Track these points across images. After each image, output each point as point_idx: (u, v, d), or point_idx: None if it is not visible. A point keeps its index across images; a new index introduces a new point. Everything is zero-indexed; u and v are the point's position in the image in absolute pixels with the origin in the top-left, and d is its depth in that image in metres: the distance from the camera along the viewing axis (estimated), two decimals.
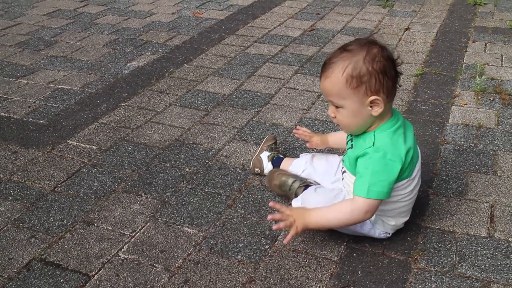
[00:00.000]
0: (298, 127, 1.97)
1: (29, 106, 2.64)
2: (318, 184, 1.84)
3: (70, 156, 2.19)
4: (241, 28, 3.75)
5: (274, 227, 1.52)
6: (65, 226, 1.78)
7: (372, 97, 1.45)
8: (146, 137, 2.33)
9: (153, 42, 3.50)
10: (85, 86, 2.86)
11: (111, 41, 3.52)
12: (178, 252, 1.65)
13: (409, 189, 1.59)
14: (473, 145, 2.24)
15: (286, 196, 1.87)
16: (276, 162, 1.99)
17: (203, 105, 2.62)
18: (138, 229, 1.76)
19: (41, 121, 2.49)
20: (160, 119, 2.49)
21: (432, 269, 1.58)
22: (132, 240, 1.71)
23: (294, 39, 3.52)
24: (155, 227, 1.77)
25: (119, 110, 2.58)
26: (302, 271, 1.58)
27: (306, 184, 1.82)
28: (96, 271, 1.58)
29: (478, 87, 2.73)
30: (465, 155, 2.16)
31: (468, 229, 1.74)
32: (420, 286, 1.52)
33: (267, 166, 2.00)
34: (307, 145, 1.94)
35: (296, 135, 1.96)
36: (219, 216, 1.82)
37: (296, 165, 1.93)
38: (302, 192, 1.80)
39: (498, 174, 2.03)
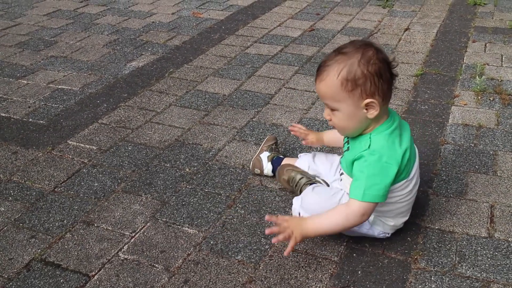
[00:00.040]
0: (293, 124, 1.95)
1: (29, 107, 2.64)
2: (325, 181, 1.84)
3: (70, 157, 2.19)
4: (241, 28, 3.75)
5: (274, 240, 1.51)
6: (65, 226, 1.78)
7: (368, 100, 1.45)
8: (146, 138, 2.33)
9: (153, 42, 3.50)
10: (85, 86, 2.86)
11: (111, 42, 3.52)
12: (178, 252, 1.65)
13: (407, 189, 1.59)
14: (473, 145, 2.24)
15: (293, 192, 1.87)
16: (276, 162, 2.00)
17: (203, 105, 2.62)
18: (138, 229, 1.76)
19: (41, 122, 2.49)
20: (160, 119, 2.49)
21: (432, 269, 1.58)
22: (132, 240, 1.71)
23: (294, 39, 3.52)
24: (155, 227, 1.77)
25: (119, 111, 2.58)
26: (302, 271, 1.58)
27: (312, 182, 1.82)
28: (96, 271, 1.58)
29: (478, 87, 2.73)
30: (465, 155, 2.16)
31: (468, 229, 1.74)
32: (420, 286, 1.52)
33: (267, 167, 2.00)
34: (303, 142, 1.93)
35: (291, 132, 1.95)
36: (219, 216, 1.82)
37: (299, 165, 1.93)
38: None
39: (498, 174, 2.03)
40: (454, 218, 1.80)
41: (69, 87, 2.85)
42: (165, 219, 1.81)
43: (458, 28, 3.70)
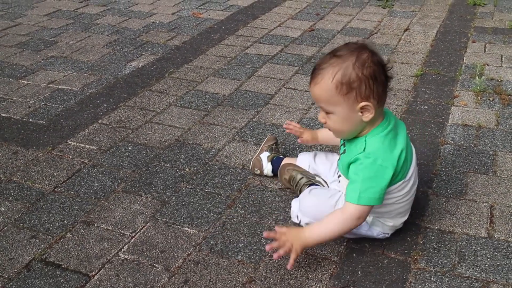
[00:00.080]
0: (288, 122, 1.94)
1: (29, 107, 2.64)
2: (325, 181, 1.85)
3: (70, 157, 2.20)
4: (241, 28, 3.76)
5: (275, 256, 1.50)
6: (65, 227, 1.78)
7: (363, 103, 1.44)
8: (146, 138, 2.33)
9: (153, 42, 3.50)
10: (85, 86, 2.86)
11: (111, 42, 3.52)
12: (178, 252, 1.66)
13: (405, 190, 1.58)
14: (472, 145, 2.24)
15: (294, 191, 1.88)
16: (276, 162, 2.00)
17: (203, 106, 2.62)
18: (138, 229, 1.76)
19: (41, 122, 2.49)
20: (160, 119, 2.49)
21: (431, 269, 1.58)
22: (132, 240, 1.71)
23: (294, 39, 3.52)
24: (155, 227, 1.77)
25: (119, 111, 2.58)
26: (302, 271, 1.58)
27: (311, 183, 1.82)
28: (96, 271, 1.59)
29: (478, 87, 2.73)
30: (464, 156, 2.16)
31: (467, 230, 1.74)
32: (419, 286, 1.52)
33: (267, 167, 2.00)
34: (298, 141, 1.92)
35: (286, 130, 1.94)
36: (219, 216, 1.82)
37: (300, 164, 1.94)
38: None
39: (498, 175, 2.03)
40: (454, 218, 1.80)
41: (69, 87, 2.85)
42: (165, 219, 1.81)
43: (458, 29, 3.70)
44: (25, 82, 2.93)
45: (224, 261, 1.62)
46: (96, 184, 2.00)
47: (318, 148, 2.21)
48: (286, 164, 1.94)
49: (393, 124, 1.54)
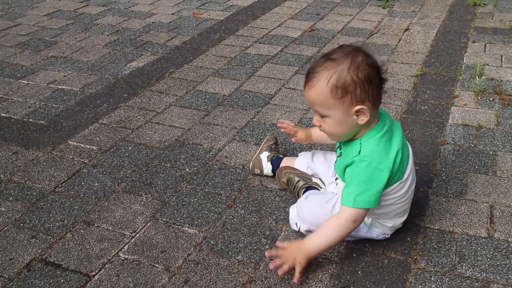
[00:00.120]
0: (282, 120, 1.93)
1: (30, 107, 2.64)
2: (323, 182, 1.85)
3: (71, 157, 2.20)
4: (241, 28, 3.76)
5: (280, 272, 1.51)
6: (65, 227, 1.78)
7: (358, 107, 1.44)
8: (146, 138, 2.33)
9: (153, 42, 3.50)
10: (85, 86, 2.86)
11: (111, 42, 3.52)
12: (178, 252, 1.66)
13: (403, 191, 1.57)
14: (472, 145, 2.24)
15: (292, 194, 1.88)
16: (275, 162, 2.00)
17: (203, 106, 2.62)
18: (139, 229, 1.76)
19: (42, 122, 2.49)
20: (160, 119, 2.50)
21: (432, 269, 1.58)
22: (132, 240, 1.71)
23: (294, 39, 3.52)
24: (156, 227, 1.77)
25: (119, 111, 2.58)
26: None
27: (308, 186, 1.83)
28: (97, 271, 1.59)
29: (478, 87, 2.73)
30: (464, 156, 2.16)
31: (468, 230, 1.74)
32: (420, 286, 1.52)
33: (267, 167, 2.00)
34: (292, 140, 1.91)
35: (281, 129, 1.93)
36: (219, 216, 1.82)
37: (298, 165, 1.94)
38: (302, 193, 1.81)
39: (498, 175, 2.03)
40: (454, 218, 1.80)
41: (70, 87, 2.85)
42: (165, 219, 1.81)
43: (458, 29, 3.70)
44: (25, 82, 2.93)
45: (224, 261, 1.62)
46: (96, 184, 2.00)
47: (318, 147, 2.21)
48: (284, 167, 1.94)
49: (389, 125, 1.53)
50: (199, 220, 1.80)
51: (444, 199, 1.90)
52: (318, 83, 1.44)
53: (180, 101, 2.67)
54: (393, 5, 4.27)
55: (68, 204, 1.90)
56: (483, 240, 1.70)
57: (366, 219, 1.61)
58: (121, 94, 2.76)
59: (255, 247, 1.67)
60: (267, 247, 1.67)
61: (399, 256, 1.63)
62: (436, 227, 1.76)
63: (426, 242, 1.69)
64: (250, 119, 2.48)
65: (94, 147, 2.26)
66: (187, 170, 2.09)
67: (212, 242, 1.70)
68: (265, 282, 1.54)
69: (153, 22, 3.92)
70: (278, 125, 1.94)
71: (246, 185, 1.99)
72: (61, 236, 1.74)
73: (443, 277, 1.55)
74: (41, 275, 1.57)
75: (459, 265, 1.59)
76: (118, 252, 1.66)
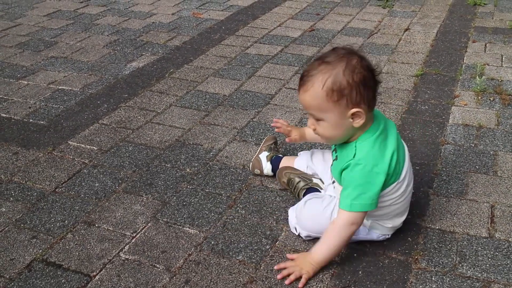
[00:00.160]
0: (275, 119, 1.92)
1: (30, 107, 2.64)
2: (322, 181, 1.85)
3: (71, 157, 2.20)
4: (241, 28, 3.76)
5: (287, 282, 1.52)
6: (66, 227, 1.78)
7: (354, 110, 1.43)
8: (147, 138, 2.33)
9: (153, 42, 3.50)
10: (86, 87, 2.86)
11: (111, 42, 3.52)
12: (179, 252, 1.66)
13: (400, 191, 1.57)
14: (473, 145, 2.24)
15: (293, 194, 1.89)
16: (275, 161, 2.00)
17: (203, 106, 2.62)
18: (139, 230, 1.76)
19: (42, 122, 2.49)
20: (160, 119, 2.50)
21: (432, 269, 1.58)
22: (133, 240, 1.71)
23: (294, 39, 3.52)
24: (156, 227, 1.77)
25: (120, 111, 2.58)
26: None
27: (308, 187, 1.83)
28: (97, 271, 1.59)
29: (478, 87, 2.73)
30: (465, 156, 2.16)
31: (468, 229, 1.74)
32: (420, 286, 1.52)
33: (266, 166, 2.00)
34: (286, 140, 1.91)
35: (275, 129, 1.92)
36: (219, 216, 1.82)
37: (298, 165, 1.94)
38: (302, 195, 1.81)
39: (499, 174, 2.03)
40: (454, 218, 1.80)
41: (70, 88, 2.85)
42: (166, 219, 1.81)
43: (458, 28, 3.70)
44: (26, 82, 2.93)
45: (225, 261, 1.62)
46: (96, 185, 2.00)
47: (319, 146, 2.21)
48: (284, 168, 1.94)
49: (383, 126, 1.53)
50: (200, 220, 1.80)
51: (444, 199, 1.90)
52: (313, 86, 1.43)
53: (181, 101, 2.67)
54: (393, 5, 4.27)
55: (68, 204, 1.90)
56: (484, 240, 1.70)
57: (365, 221, 1.61)
58: (121, 95, 2.76)
59: (256, 247, 1.67)
60: (267, 247, 1.67)
61: (399, 256, 1.63)
62: (437, 227, 1.76)
63: (427, 242, 1.69)
64: (251, 119, 2.48)
65: (94, 147, 2.26)
66: (188, 170, 2.09)
67: (212, 242, 1.70)
68: (266, 282, 1.54)
69: (153, 22, 3.92)
70: (272, 124, 1.94)
71: (247, 185, 1.99)
72: (61, 236, 1.74)
73: (444, 277, 1.55)
74: (42, 276, 1.57)
75: (460, 265, 1.59)
76: (118, 252, 1.66)
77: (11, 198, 1.94)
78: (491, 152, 2.18)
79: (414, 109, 2.56)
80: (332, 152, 1.65)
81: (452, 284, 1.52)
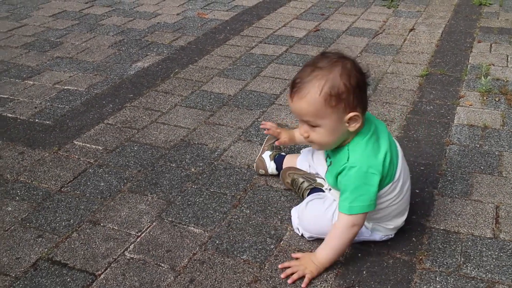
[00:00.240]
0: (264, 122, 1.91)
1: (35, 107, 2.66)
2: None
3: (76, 157, 2.21)
4: (246, 28, 3.76)
5: (289, 281, 1.53)
6: (71, 226, 1.79)
7: (352, 114, 1.43)
8: (152, 138, 2.34)
9: (158, 43, 3.51)
10: (91, 87, 2.87)
11: (117, 42, 3.53)
12: (183, 251, 1.66)
13: (396, 191, 1.56)
14: (478, 145, 2.23)
15: (297, 194, 1.89)
16: (278, 160, 2.00)
17: (208, 106, 2.63)
18: (144, 229, 1.77)
19: (47, 122, 2.50)
20: (165, 119, 2.50)
21: (437, 269, 1.58)
22: (138, 239, 1.72)
23: (299, 39, 3.53)
24: (161, 227, 1.78)
25: (125, 111, 2.59)
26: None
27: (312, 187, 1.83)
28: (103, 270, 1.59)
29: (484, 87, 2.73)
30: (470, 156, 2.16)
31: (473, 230, 1.74)
32: (424, 287, 1.52)
33: (270, 165, 2.00)
34: (276, 143, 1.92)
35: (264, 131, 1.92)
36: (224, 216, 1.83)
37: (300, 164, 1.94)
38: (307, 195, 1.81)
39: (504, 175, 2.03)
40: (459, 218, 1.80)
41: (75, 88, 2.87)
42: (170, 219, 1.81)
43: (464, 29, 3.69)
44: (31, 82, 2.95)
45: (229, 261, 1.62)
46: (102, 184, 2.01)
47: None
48: (288, 168, 1.95)
49: (374, 128, 1.53)
50: (205, 220, 1.81)
51: (449, 200, 1.89)
52: (309, 93, 1.42)
53: (186, 101, 2.68)
54: (398, 5, 4.26)
55: (74, 203, 1.91)
56: (489, 240, 1.69)
57: (367, 224, 1.61)
58: (126, 94, 2.77)
59: (260, 247, 1.68)
60: (272, 246, 1.68)
61: (404, 256, 1.63)
62: (441, 228, 1.75)
63: (431, 242, 1.69)
64: (255, 119, 2.49)
65: (99, 147, 2.27)
66: (193, 170, 2.10)
67: (217, 242, 1.70)
68: (270, 282, 1.54)
69: (158, 23, 3.93)
70: (261, 126, 1.94)
71: (251, 185, 1.99)
72: (67, 235, 1.75)
73: (448, 278, 1.55)
74: (47, 274, 1.58)
75: (464, 266, 1.59)
76: (124, 251, 1.67)
77: (17, 198, 1.95)
78: (496, 153, 2.18)
79: (419, 109, 2.55)
80: (326, 158, 1.64)
81: (457, 285, 1.52)
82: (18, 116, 2.57)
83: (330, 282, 1.54)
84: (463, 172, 2.05)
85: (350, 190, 1.47)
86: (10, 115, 2.58)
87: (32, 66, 3.16)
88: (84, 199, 1.93)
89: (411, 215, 1.78)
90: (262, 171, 2.03)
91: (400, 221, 1.66)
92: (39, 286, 1.54)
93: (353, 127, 1.46)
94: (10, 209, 1.89)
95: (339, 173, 1.50)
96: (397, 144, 1.61)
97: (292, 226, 1.76)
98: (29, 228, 1.78)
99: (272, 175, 2.02)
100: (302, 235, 1.71)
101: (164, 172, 2.08)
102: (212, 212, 1.85)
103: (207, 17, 4.05)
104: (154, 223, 1.79)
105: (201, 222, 1.80)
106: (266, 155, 2.03)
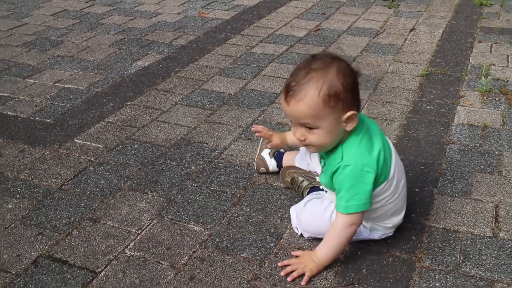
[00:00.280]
0: (255, 125, 1.91)
1: (36, 105, 2.66)
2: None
3: (77, 155, 2.21)
4: (247, 28, 3.77)
5: (289, 278, 1.53)
6: (72, 224, 1.79)
7: (350, 113, 1.43)
8: (152, 136, 2.34)
9: (159, 42, 3.52)
10: (92, 85, 2.88)
11: (117, 41, 3.54)
12: (183, 249, 1.67)
13: (391, 189, 1.56)
14: (478, 145, 2.24)
15: (297, 193, 1.89)
16: (277, 157, 2.00)
17: (208, 104, 2.63)
18: (144, 227, 1.77)
19: (48, 120, 2.51)
20: (166, 118, 2.51)
21: (436, 267, 1.58)
22: (138, 237, 1.72)
23: (300, 39, 3.53)
24: (161, 224, 1.78)
25: (125, 109, 2.60)
26: None
27: (312, 186, 1.83)
28: (103, 267, 1.60)
29: (484, 87, 2.73)
30: (470, 155, 2.16)
31: (472, 229, 1.74)
32: (424, 285, 1.52)
33: (271, 163, 2.01)
34: (268, 146, 1.93)
35: (256, 134, 1.91)
36: (224, 214, 1.83)
37: (299, 162, 1.94)
38: (307, 193, 1.82)
39: (503, 174, 2.03)
40: (458, 217, 1.80)
41: (76, 86, 2.87)
42: (171, 217, 1.82)
43: (464, 29, 3.69)
44: (32, 81, 2.95)
45: (229, 258, 1.63)
46: (102, 182, 2.02)
47: None
48: (287, 167, 1.95)
49: (366, 126, 1.53)
50: (205, 218, 1.81)
51: (449, 198, 1.90)
52: (307, 95, 1.41)
53: (186, 100, 2.68)
54: (399, 5, 4.27)
55: (74, 201, 1.91)
56: (488, 239, 1.70)
57: (366, 223, 1.62)
58: (127, 93, 2.77)
59: (260, 245, 1.68)
60: (272, 244, 1.68)
61: (403, 254, 1.64)
62: (441, 226, 1.76)
63: (431, 241, 1.69)
64: (256, 118, 2.49)
65: (100, 145, 2.28)
66: (193, 168, 2.10)
67: (217, 240, 1.71)
68: (270, 279, 1.55)
69: (159, 22, 3.93)
70: (252, 129, 1.94)
71: (252, 183, 2.00)
72: (67, 233, 1.75)
73: (448, 276, 1.55)
74: (48, 271, 1.59)
75: (464, 264, 1.59)
76: (124, 249, 1.67)
77: (18, 195, 1.95)
78: (496, 152, 2.18)
79: (419, 108, 2.56)
80: (320, 159, 1.64)
81: (456, 283, 1.53)
82: (19, 115, 2.57)
83: (330, 280, 1.54)
84: (463, 171, 2.05)
85: (346, 188, 1.48)
86: (10, 114, 2.58)
87: (32, 65, 3.16)
88: (84, 197, 1.94)
89: (411, 213, 1.79)
90: (263, 169, 2.03)
91: (398, 219, 1.66)
92: (39, 283, 1.55)
93: (350, 126, 1.46)
94: (11, 206, 1.89)
95: (334, 172, 1.50)
96: (390, 142, 1.61)
97: (292, 225, 1.76)
98: (30, 226, 1.79)
99: (273, 173, 2.03)
100: (301, 235, 1.71)
101: (164, 170, 2.08)
102: (212, 210, 1.85)
103: (208, 16, 4.05)
104: (154, 221, 1.80)
105: (201, 220, 1.80)
106: (266, 153, 2.04)
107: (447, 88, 2.77)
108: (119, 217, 1.82)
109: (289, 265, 1.57)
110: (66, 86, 2.88)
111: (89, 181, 2.03)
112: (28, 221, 1.81)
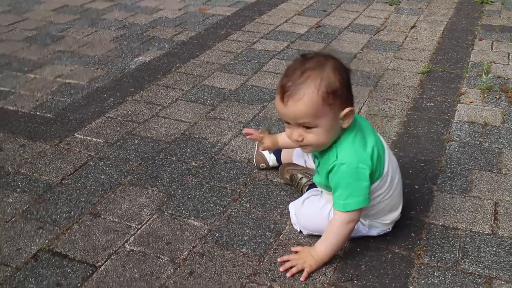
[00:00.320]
0: (246, 129, 1.90)
1: (37, 100, 2.66)
2: None
3: (77, 149, 2.21)
4: (248, 24, 3.76)
5: (288, 274, 1.54)
6: (72, 218, 1.80)
7: (348, 109, 1.43)
8: (153, 131, 2.35)
9: (159, 37, 3.51)
10: (92, 80, 2.88)
11: (118, 37, 3.54)
12: (183, 244, 1.67)
13: (386, 186, 1.56)
14: (478, 142, 2.24)
15: (296, 190, 1.90)
16: (277, 152, 2.00)
17: (209, 100, 2.63)
18: (144, 222, 1.78)
19: (49, 115, 2.51)
20: (166, 113, 2.51)
21: (435, 264, 1.59)
22: (138, 232, 1.73)
23: (301, 35, 3.53)
24: (161, 219, 1.79)
25: (126, 105, 2.60)
26: None
27: (311, 183, 1.83)
28: (103, 262, 1.60)
29: (484, 85, 2.73)
30: (470, 153, 2.16)
31: (471, 226, 1.75)
32: (423, 281, 1.53)
33: (271, 158, 2.01)
34: (260, 148, 1.92)
35: (247, 137, 1.90)
36: (224, 209, 1.83)
37: (297, 159, 1.95)
38: (306, 190, 1.82)
39: (503, 172, 2.03)
40: (458, 214, 1.80)
41: (76, 81, 2.87)
42: (171, 212, 1.82)
43: (465, 26, 3.69)
44: (33, 76, 2.95)
45: (229, 254, 1.63)
46: (102, 177, 2.02)
47: None
48: (286, 164, 1.96)
49: (358, 124, 1.53)
50: (204, 213, 1.81)
51: (448, 196, 1.90)
52: (306, 94, 1.40)
53: (187, 96, 2.68)
54: (400, 2, 4.26)
55: (74, 196, 1.91)
56: (487, 236, 1.70)
57: (364, 221, 1.62)
58: (127, 88, 2.77)
59: (260, 240, 1.69)
60: (271, 240, 1.69)
61: (402, 251, 1.64)
62: (440, 223, 1.76)
63: (430, 237, 1.70)
64: (256, 114, 2.49)
65: (100, 140, 2.28)
66: (193, 163, 2.10)
67: (217, 235, 1.71)
68: (269, 275, 1.55)
69: (160, 18, 3.93)
70: (243, 132, 1.92)
71: (251, 179, 2.00)
72: (68, 227, 1.76)
73: (446, 273, 1.56)
74: (48, 265, 1.59)
75: (462, 261, 1.60)
76: (124, 243, 1.68)
77: (18, 189, 1.96)
78: (496, 150, 2.18)
79: (419, 106, 2.56)
80: (314, 159, 1.63)
81: (454, 280, 1.53)
82: (20, 109, 2.57)
83: (329, 276, 1.55)
84: (462, 168, 2.06)
85: (343, 187, 1.48)
86: (11, 108, 2.58)
87: (33, 60, 3.16)
88: (84, 191, 1.94)
89: (410, 210, 1.79)
90: (263, 165, 2.03)
91: (395, 215, 1.66)
92: (39, 277, 1.55)
93: (347, 123, 1.46)
94: (11, 200, 1.89)
95: (329, 171, 1.50)
96: (382, 139, 1.61)
97: (291, 221, 1.76)
98: (30, 220, 1.79)
99: (273, 168, 2.03)
100: (300, 232, 1.72)
101: (164, 166, 2.09)
102: (212, 205, 1.85)
103: (209, 12, 4.05)
104: (154, 216, 1.80)
105: (201, 215, 1.80)
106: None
107: (448, 86, 2.77)
108: (119, 212, 1.82)
109: (288, 260, 1.58)
110: (66, 81, 2.88)
111: (89, 175, 2.03)
112: (29, 215, 1.82)
